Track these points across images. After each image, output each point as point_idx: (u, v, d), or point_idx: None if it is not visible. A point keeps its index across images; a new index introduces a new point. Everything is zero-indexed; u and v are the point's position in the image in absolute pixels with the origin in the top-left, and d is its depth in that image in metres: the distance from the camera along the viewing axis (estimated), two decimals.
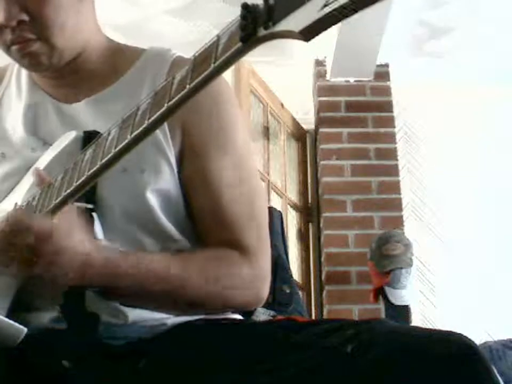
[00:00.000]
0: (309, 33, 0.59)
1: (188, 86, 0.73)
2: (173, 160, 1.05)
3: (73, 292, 0.94)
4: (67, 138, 1.01)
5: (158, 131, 1.02)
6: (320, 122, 3.97)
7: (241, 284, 1.02)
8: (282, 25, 0.62)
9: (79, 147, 0.98)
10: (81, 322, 0.93)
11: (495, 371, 0.74)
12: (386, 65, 4.02)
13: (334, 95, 3.97)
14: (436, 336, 0.78)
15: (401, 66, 3.98)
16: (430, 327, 3.60)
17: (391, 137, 3.92)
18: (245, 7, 0.66)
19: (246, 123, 3.29)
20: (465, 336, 0.76)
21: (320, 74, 4.04)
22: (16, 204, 0.99)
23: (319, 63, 4.06)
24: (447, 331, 0.79)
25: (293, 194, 3.91)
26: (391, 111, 3.96)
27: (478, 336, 2.78)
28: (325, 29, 0.59)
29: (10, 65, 1.20)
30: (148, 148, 1.02)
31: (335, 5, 0.56)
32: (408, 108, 4.07)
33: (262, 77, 3.58)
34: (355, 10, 0.56)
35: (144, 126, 0.78)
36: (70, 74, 1.11)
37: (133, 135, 0.80)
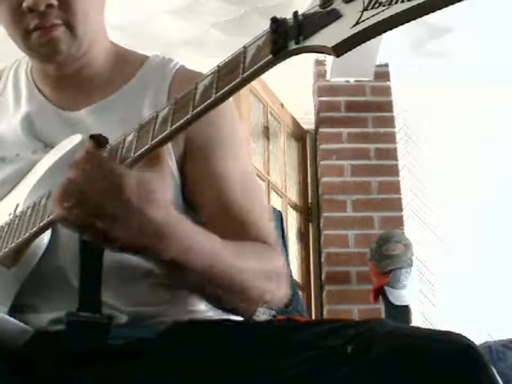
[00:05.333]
0: (341, 48, 0.62)
1: (213, 95, 0.75)
2: (173, 168, 1.05)
3: (90, 293, 0.94)
4: (72, 141, 1.01)
5: None
6: (320, 122, 3.97)
7: (283, 273, 1.04)
8: (314, 40, 0.64)
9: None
10: (97, 325, 0.93)
11: (495, 371, 0.74)
12: (386, 65, 4.02)
13: (334, 95, 3.97)
14: (436, 336, 0.78)
15: (401, 66, 3.98)
16: (430, 327, 3.60)
17: (391, 137, 3.92)
18: (274, 21, 0.68)
19: (246, 123, 3.30)
20: (464, 337, 0.76)
21: (320, 74, 4.04)
22: (17, 204, 0.99)
23: (319, 63, 4.06)
24: (447, 331, 0.79)
25: (293, 194, 3.92)
26: (391, 111, 3.96)
27: (478, 336, 2.77)
28: (356, 45, 0.61)
29: (5, 71, 1.20)
30: None
31: (366, 24, 0.59)
32: (408, 108, 4.07)
33: (261, 77, 3.58)
34: (384, 30, 0.59)
35: (167, 131, 0.79)
36: (73, 79, 1.11)
37: (154, 141, 0.80)
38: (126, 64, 1.14)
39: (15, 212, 0.99)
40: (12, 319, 0.94)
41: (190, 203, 1.07)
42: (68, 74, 1.10)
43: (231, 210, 1.05)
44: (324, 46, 0.63)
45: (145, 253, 0.86)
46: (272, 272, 1.01)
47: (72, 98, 1.11)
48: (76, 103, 1.10)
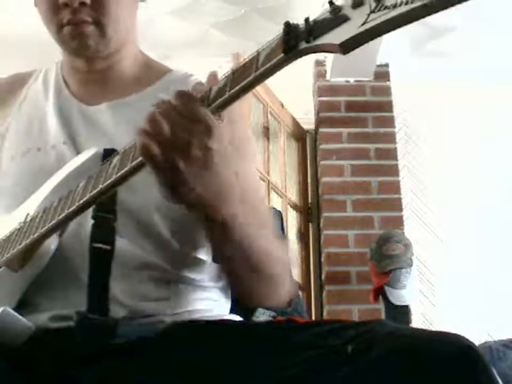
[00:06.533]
0: (348, 46, 0.67)
1: (227, 93, 0.79)
2: None
3: (98, 294, 0.95)
4: (87, 154, 1.04)
5: None
6: (320, 122, 3.97)
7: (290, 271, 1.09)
8: (323, 39, 0.69)
9: (98, 162, 1.00)
10: (102, 327, 0.94)
11: (494, 372, 0.74)
12: (386, 65, 4.02)
13: (334, 95, 3.98)
14: (436, 337, 0.78)
15: (401, 66, 3.98)
16: (430, 327, 3.61)
17: (391, 137, 3.92)
18: (287, 25, 0.73)
19: (247, 123, 3.30)
20: (464, 337, 0.77)
21: (320, 74, 4.04)
22: (28, 214, 1.00)
23: (319, 63, 4.06)
24: (447, 332, 0.79)
25: (293, 194, 3.92)
26: (391, 111, 3.96)
27: (478, 336, 2.78)
28: (362, 43, 0.66)
29: (37, 69, 1.25)
30: None
31: (372, 23, 0.64)
32: (408, 108, 4.08)
33: None
34: (390, 29, 0.64)
35: None
36: (100, 76, 1.16)
37: None
38: (151, 70, 1.21)
39: (25, 220, 1.00)
40: (15, 313, 0.94)
41: None
42: (96, 71, 1.15)
43: None
44: (332, 44, 0.67)
45: (206, 208, 0.88)
46: (287, 264, 1.06)
47: (95, 94, 1.15)
48: (97, 99, 1.14)
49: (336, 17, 0.68)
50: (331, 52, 0.69)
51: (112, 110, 1.12)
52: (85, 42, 1.09)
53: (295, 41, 0.72)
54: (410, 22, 0.62)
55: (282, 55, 0.73)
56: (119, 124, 1.09)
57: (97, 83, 1.16)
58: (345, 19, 0.67)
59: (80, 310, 0.94)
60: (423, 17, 0.61)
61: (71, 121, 1.13)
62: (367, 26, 0.63)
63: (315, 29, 0.70)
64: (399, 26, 0.62)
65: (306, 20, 0.71)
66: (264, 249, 0.99)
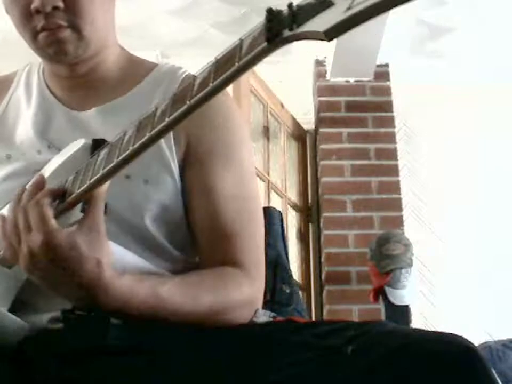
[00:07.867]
0: (332, 33, 0.64)
1: (211, 84, 0.76)
2: (176, 173, 1.06)
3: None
4: (75, 145, 1.01)
5: (163, 144, 1.04)
6: (320, 122, 3.97)
7: (244, 304, 1.03)
8: (307, 27, 0.66)
9: (87, 155, 0.99)
10: (92, 326, 0.93)
11: (494, 372, 0.74)
12: (386, 65, 4.02)
13: (334, 95, 3.98)
14: (435, 337, 0.78)
15: (401, 66, 3.98)
16: (430, 327, 3.60)
17: (391, 137, 3.92)
18: (269, 11, 0.70)
19: (246, 123, 3.30)
20: (464, 338, 0.77)
21: (320, 74, 4.04)
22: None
23: (319, 63, 4.06)
24: (446, 332, 0.79)
25: (293, 194, 3.92)
26: (391, 111, 3.96)
27: (478, 336, 2.78)
28: (347, 30, 0.63)
29: (18, 71, 1.22)
30: (153, 160, 1.03)
31: (356, 9, 0.61)
32: (408, 107, 4.07)
33: (261, 77, 3.58)
34: (374, 14, 0.61)
35: (164, 123, 0.80)
36: (83, 80, 1.13)
37: (153, 131, 0.81)
38: (136, 68, 1.17)
39: None
40: (9, 314, 0.94)
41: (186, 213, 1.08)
42: (79, 76, 1.12)
43: (216, 231, 1.06)
44: (316, 32, 0.65)
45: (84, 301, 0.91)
46: (227, 304, 1.00)
47: (82, 99, 1.13)
48: (85, 104, 1.12)
49: (320, 2, 0.65)
50: (316, 39, 0.66)
51: (102, 114, 1.10)
52: (63, 48, 1.06)
53: (278, 29, 0.69)
54: (398, 5, 0.59)
55: (265, 43, 0.70)
56: (110, 128, 1.04)
57: (82, 87, 1.13)
58: (329, 4, 0.64)
59: (72, 309, 0.94)
60: (410, 1, 0.58)
61: (58, 127, 1.10)
62: (353, 11, 0.60)
63: (298, 15, 0.67)
64: (386, 10, 0.59)
65: (290, 5, 0.68)
66: (198, 316, 0.96)
